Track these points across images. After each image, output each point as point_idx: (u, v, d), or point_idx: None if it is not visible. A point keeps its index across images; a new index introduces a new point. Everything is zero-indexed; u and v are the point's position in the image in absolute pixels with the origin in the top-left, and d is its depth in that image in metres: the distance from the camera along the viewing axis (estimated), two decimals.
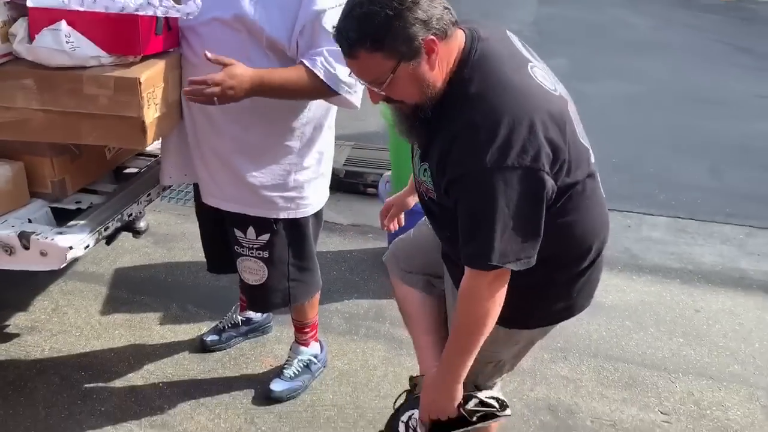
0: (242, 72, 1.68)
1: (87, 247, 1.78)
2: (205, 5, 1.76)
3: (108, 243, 2.66)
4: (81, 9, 1.68)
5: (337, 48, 1.49)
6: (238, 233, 2.07)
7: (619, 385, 2.58)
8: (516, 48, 1.48)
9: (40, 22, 1.65)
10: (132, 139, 1.75)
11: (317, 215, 2.19)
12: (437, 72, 1.33)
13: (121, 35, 1.70)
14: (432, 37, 1.28)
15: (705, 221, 3.90)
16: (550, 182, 1.33)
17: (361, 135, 4.58)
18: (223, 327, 2.62)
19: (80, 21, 1.66)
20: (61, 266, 1.76)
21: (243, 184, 1.96)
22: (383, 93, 1.35)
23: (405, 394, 1.80)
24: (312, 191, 2.08)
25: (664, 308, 3.06)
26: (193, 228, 3.24)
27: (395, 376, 2.54)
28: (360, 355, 2.63)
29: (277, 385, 2.38)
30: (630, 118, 5.48)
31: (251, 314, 2.64)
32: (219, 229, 2.20)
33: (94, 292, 2.92)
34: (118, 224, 1.95)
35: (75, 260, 1.92)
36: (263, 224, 2.04)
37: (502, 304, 1.42)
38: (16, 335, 2.63)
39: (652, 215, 3.94)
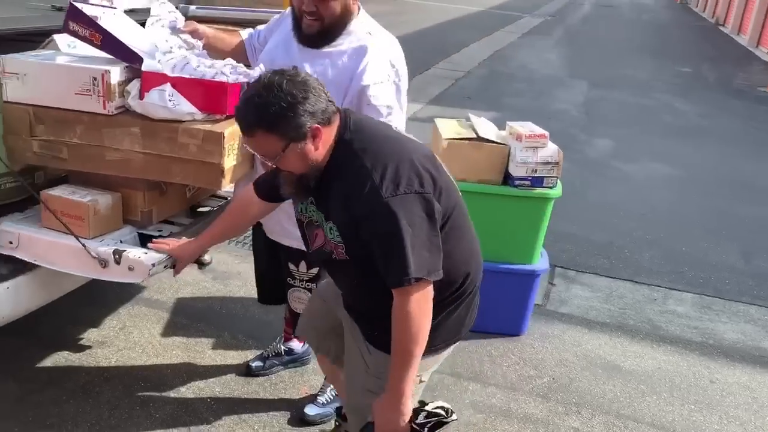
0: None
1: (165, 266, 2.14)
2: None
3: (175, 274, 3.06)
4: (182, 75, 2.09)
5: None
6: (292, 267, 2.41)
7: None
8: (374, 118, 1.89)
9: (150, 83, 2.06)
10: (212, 181, 2.13)
11: None
12: (320, 150, 1.63)
13: (211, 97, 2.10)
14: (317, 125, 1.58)
15: (731, 300, 4.04)
16: (437, 204, 1.62)
17: None
18: (268, 355, 2.93)
19: (181, 84, 2.07)
20: (143, 280, 2.12)
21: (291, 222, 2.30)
22: (273, 165, 1.65)
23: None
24: None
25: (679, 376, 3.21)
26: (247, 268, 3.61)
27: None
28: None
29: (310, 410, 2.65)
30: (668, 199, 5.68)
31: (293, 345, 2.95)
32: (272, 264, 2.54)
33: (157, 317, 3.27)
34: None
35: (151, 278, 2.27)
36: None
37: (430, 320, 1.65)
38: (89, 347, 3.00)
39: (679, 291, 4.11)
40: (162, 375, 2.86)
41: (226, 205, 2.58)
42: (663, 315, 3.81)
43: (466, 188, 3.08)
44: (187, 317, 3.29)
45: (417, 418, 1.71)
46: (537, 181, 3.12)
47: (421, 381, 1.88)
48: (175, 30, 2.31)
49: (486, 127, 3.28)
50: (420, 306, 1.62)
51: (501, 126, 3.39)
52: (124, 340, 3.07)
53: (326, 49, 2.16)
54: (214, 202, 2.67)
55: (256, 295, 2.88)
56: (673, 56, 14.27)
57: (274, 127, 1.55)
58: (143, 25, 2.33)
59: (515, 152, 3.08)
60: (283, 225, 2.34)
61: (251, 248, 2.90)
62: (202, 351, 3.04)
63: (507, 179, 3.15)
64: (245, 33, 2.51)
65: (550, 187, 3.15)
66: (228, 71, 2.13)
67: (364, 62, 2.13)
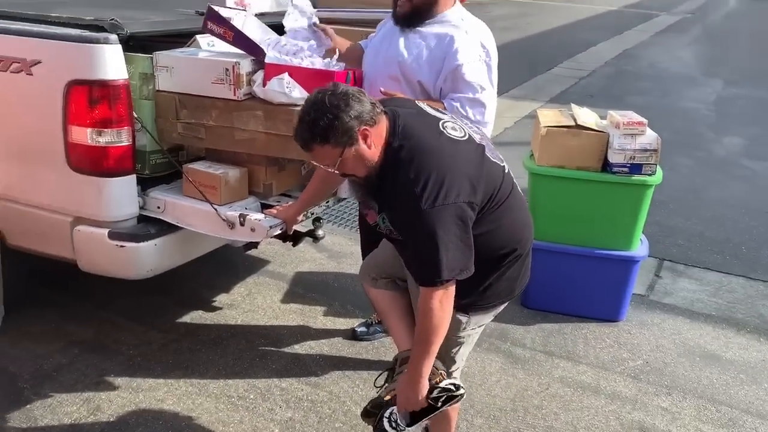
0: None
1: (281, 228, 2.48)
2: (375, 67, 2.45)
3: (294, 245, 3.43)
4: (296, 65, 2.43)
5: (472, 96, 2.11)
6: None
7: (717, 424, 2.75)
8: (427, 113, 1.96)
9: (272, 72, 2.42)
10: None
11: None
12: (374, 150, 1.82)
13: (321, 84, 2.41)
14: (364, 127, 1.78)
15: None
16: (469, 211, 1.82)
17: None
18: (371, 322, 3.22)
19: (296, 73, 2.41)
20: (263, 239, 2.48)
21: None
22: (338, 171, 1.87)
23: (387, 372, 2.22)
24: None
25: None
26: (357, 250, 3.92)
27: (507, 383, 2.94)
28: (479, 363, 3.07)
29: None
30: None
31: None
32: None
33: (278, 286, 3.67)
34: (304, 218, 2.65)
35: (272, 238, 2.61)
36: None
37: (450, 314, 1.86)
38: (219, 308, 3.44)
39: None
40: (279, 334, 3.23)
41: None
42: None
43: (564, 174, 3.25)
44: (303, 288, 3.67)
45: (432, 394, 1.96)
46: (635, 168, 3.18)
47: (466, 335, 2.09)
48: (311, 26, 2.65)
49: (586, 116, 3.37)
50: (443, 304, 1.83)
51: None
52: (249, 304, 3.48)
53: (422, 30, 2.41)
54: None
55: None
56: None
57: (326, 137, 1.78)
58: (279, 25, 2.70)
59: (613, 139, 3.16)
60: None
61: None
62: (314, 317, 3.39)
63: (606, 166, 3.23)
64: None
65: (649, 174, 3.19)
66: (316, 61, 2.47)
67: (456, 43, 2.37)
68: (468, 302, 2.01)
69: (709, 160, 6.26)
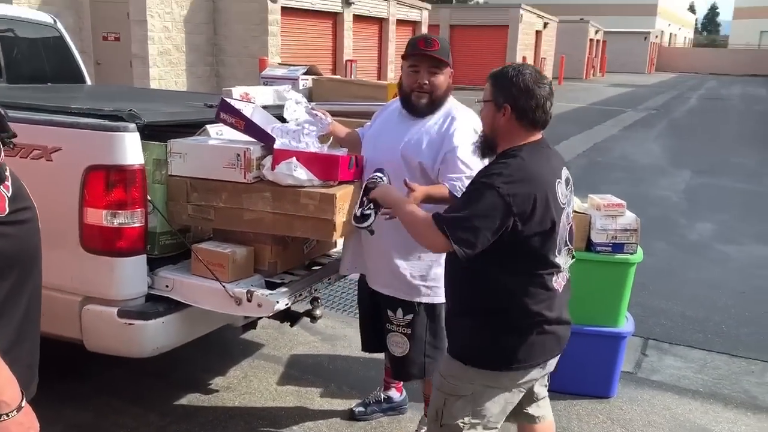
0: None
1: (287, 303, 2.58)
2: (376, 153, 2.66)
3: (292, 325, 3.51)
4: (303, 150, 2.62)
5: (469, 174, 2.31)
6: (390, 313, 2.79)
7: None
8: (557, 168, 2.17)
9: (280, 157, 2.60)
10: (326, 234, 2.59)
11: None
12: (505, 131, 2.11)
13: (326, 168, 2.60)
14: (512, 110, 2.08)
15: None
16: (510, 218, 2.00)
17: None
18: (369, 402, 3.26)
19: (303, 158, 2.59)
20: (270, 314, 2.57)
21: (396, 274, 2.70)
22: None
23: None
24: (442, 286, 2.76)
25: None
26: (352, 332, 4.02)
27: None
28: None
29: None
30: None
31: (392, 394, 3.27)
32: (374, 313, 2.92)
33: (274, 369, 3.71)
34: (308, 295, 2.76)
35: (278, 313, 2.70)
36: (409, 306, 2.74)
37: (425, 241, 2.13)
38: (216, 390, 3.46)
39: None
40: (277, 416, 3.25)
41: (333, 263, 3.03)
42: (761, 386, 3.79)
43: None
44: (299, 370, 3.71)
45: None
46: (618, 247, 3.36)
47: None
48: (310, 111, 2.86)
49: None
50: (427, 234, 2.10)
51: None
52: (246, 386, 3.51)
53: (423, 120, 2.63)
54: (325, 259, 3.13)
55: (359, 355, 3.25)
56: None
57: (496, 85, 2.14)
58: (280, 117, 2.90)
59: (595, 220, 3.36)
60: (384, 276, 2.74)
61: (356, 315, 3.30)
62: (311, 398, 3.42)
63: (589, 246, 3.42)
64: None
65: (631, 253, 3.37)
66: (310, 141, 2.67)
67: (453, 127, 2.59)
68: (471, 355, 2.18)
69: (683, 245, 6.52)
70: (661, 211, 7.73)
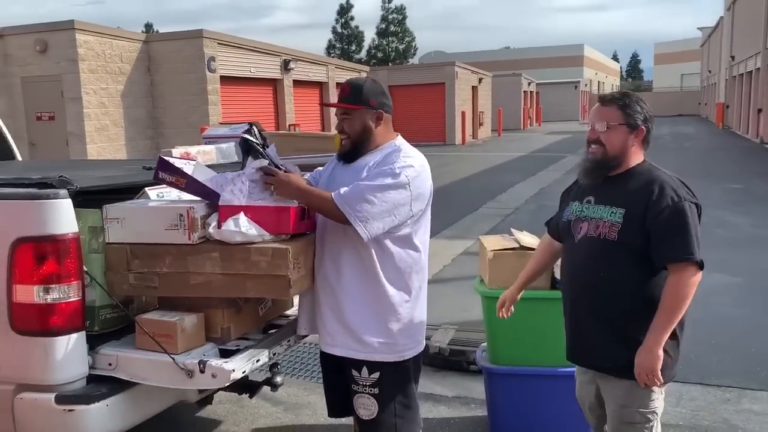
0: (297, 179, 2.47)
1: (244, 372, 2.37)
2: None
3: (251, 396, 3.28)
4: (252, 204, 2.47)
5: (356, 187, 2.34)
6: (355, 373, 2.60)
7: None
8: None
9: (226, 213, 2.44)
10: (281, 292, 2.42)
11: (416, 360, 2.68)
12: (634, 151, 2.40)
13: (277, 220, 2.46)
14: (643, 129, 2.39)
15: None
16: None
17: (463, 322, 5.08)
18: None
19: (252, 212, 2.44)
20: (226, 384, 2.35)
21: (352, 333, 2.53)
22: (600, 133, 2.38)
23: None
24: (409, 338, 2.60)
25: None
26: (315, 399, 3.79)
27: None
28: None
29: None
30: (729, 304, 5.63)
31: None
32: (339, 377, 2.73)
33: None
34: (266, 360, 2.55)
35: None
36: (374, 364, 2.56)
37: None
38: None
39: (753, 390, 4.01)
40: None
41: (292, 323, 2.83)
42: (739, 414, 3.72)
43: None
44: None
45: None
46: None
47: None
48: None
49: (527, 238, 3.52)
50: (695, 281, 2.30)
51: None
52: None
53: (360, 161, 2.55)
54: (283, 320, 2.94)
55: (326, 422, 3.04)
56: (722, 175, 14.42)
57: (622, 110, 2.38)
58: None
59: None
60: (341, 336, 2.57)
61: (319, 379, 3.10)
62: None
63: (555, 284, 3.33)
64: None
65: None
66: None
67: (393, 156, 2.52)
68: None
69: None
70: None
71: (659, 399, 2.41)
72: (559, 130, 36.86)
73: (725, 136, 28.92)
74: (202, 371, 2.34)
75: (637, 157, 2.43)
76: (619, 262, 2.34)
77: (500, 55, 63.06)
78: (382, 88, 2.66)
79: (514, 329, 3.36)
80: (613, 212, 2.35)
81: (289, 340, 2.72)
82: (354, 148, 2.57)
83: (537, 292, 3.31)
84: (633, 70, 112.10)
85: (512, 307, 2.95)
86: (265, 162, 2.53)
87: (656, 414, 2.42)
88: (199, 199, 2.54)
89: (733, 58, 33.56)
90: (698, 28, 59.61)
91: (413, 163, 2.50)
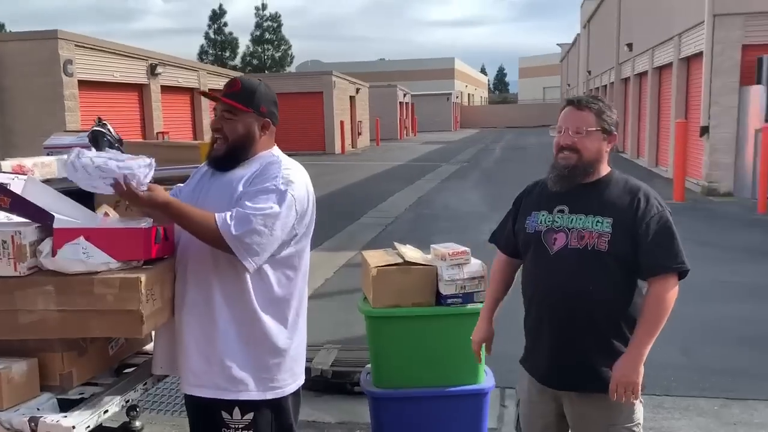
0: (159, 192, 2.09)
1: (88, 427, 1.99)
2: None
3: None
4: (93, 227, 2.10)
5: (244, 215, 2.02)
6: (225, 415, 2.27)
7: None
8: None
9: (63, 238, 2.05)
10: (132, 330, 2.06)
11: (296, 394, 2.40)
12: (605, 157, 2.31)
13: (126, 244, 2.10)
14: (615, 135, 2.32)
15: (680, 396, 4.04)
16: None
17: (347, 339, 4.85)
18: None
19: (95, 236, 2.07)
20: None
21: (221, 370, 2.20)
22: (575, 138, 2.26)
23: None
24: (286, 372, 2.32)
25: None
26: None
27: None
28: None
29: None
30: None
31: None
32: (207, 421, 2.38)
33: None
34: (116, 409, 2.17)
35: None
36: (246, 405, 2.25)
37: None
38: None
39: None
40: None
41: (149, 361, 2.45)
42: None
43: (401, 313, 3.13)
44: None
45: None
46: (467, 297, 3.16)
47: None
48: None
49: (411, 252, 3.35)
50: (675, 290, 2.23)
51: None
52: None
53: (236, 171, 2.24)
54: (140, 358, 2.55)
55: None
56: None
57: (597, 115, 2.28)
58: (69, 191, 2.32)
59: (442, 271, 3.14)
60: (211, 377, 2.24)
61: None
62: None
63: (439, 300, 3.18)
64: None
65: (481, 302, 3.18)
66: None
67: (273, 167, 2.23)
68: None
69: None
70: (491, 254, 7.88)
71: (641, 409, 2.31)
72: (433, 139, 37.84)
73: None
74: (33, 430, 1.93)
75: (606, 165, 2.34)
76: (608, 273, 2.22)
77: (376, 67, 64.02)
78: (275, 97, 2.39)
79: (399, 350, 3.18)
80: (599, 222, 2.23)
81: (145, 383, 2.34)
82: (229, 154, 2.25)
83: (422, 310, 3.15)
84: (500, 83, 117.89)
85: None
86: (147, 160, 2.12)
87: (640, 425, 2.32)
88: (29, 221, 2.12)
89: (589, 72, 36.09)
90: (557, 44, 63.83)
91: (295, 178, 2.23)
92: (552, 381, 2.36)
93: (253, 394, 2.24)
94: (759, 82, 11.81)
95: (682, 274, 2.22)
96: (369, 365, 3.51)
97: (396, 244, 3.52)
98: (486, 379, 3.31)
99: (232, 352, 2.21)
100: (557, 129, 2.33)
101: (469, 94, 72.87)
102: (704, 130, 12.70)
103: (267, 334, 2.24)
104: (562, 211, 2.32)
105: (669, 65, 16.58)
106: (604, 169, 2.33)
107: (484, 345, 2.71)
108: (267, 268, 2.21)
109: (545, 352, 2.36)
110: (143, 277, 2.03)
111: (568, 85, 51.83)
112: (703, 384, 4.20)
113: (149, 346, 2.59)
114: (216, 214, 2.09)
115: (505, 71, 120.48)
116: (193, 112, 20.40)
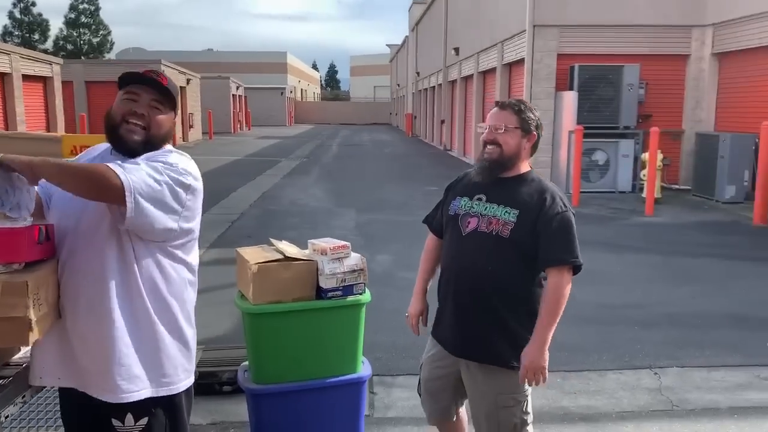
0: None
1: None
2: (66, 219, 2.11)
3: None
4: None
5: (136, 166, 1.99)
6: (116, 422, 2.15)
7: None
8: None
9: None
10: (18, 338, 1.88)
11: (188, 392, 2.33)
12: (524, 156, 2.60)
13: (5, 245, 1.91)
14: (534, 134, 2.60)
15: None
16: None
17: (209, 339, 4.73)
18: None
19: None
20: None
21: (117, 370, 2.09)
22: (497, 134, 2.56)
23: None
24: (180, 369, 2.24)
25: None
26: None
27: None
28: None
29: None
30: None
31: None
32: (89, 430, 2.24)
33: None
34: None
35: None
36: (140, 408, 2.16)
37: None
38: None
39: None
40: None
41: (22, 372, 2.25)
42: None
43: (284, 309, 3.14)
44: None
45: None
46: (348, 290, 3.25)
47: None
48: None
49: (289, 248, 3.37)
50: (570, 282, 2.54)
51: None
52: None
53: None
54: (10, 370, 2.32)
55: None
56: (420, 179, 16.04)
57: (518, 114, 2.59)
58: None
59: (323, 265, 3.20)
60: (102, 377, 2.12)
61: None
62: None
63: (319, 293, 3.24)
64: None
65: (360, 293, 3.30)
66: None
67: (167, 155, 2.20)
68: None
69: (372, 278, 6.83)
70: (354, 251, 8.05)
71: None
72: (269, 134, 37.44)
73: (415, 143, 32.40)
74: None
75: (526, 164, 2.63)
76: (506, 257, 2.52)
77: (204, 57, 61.81)
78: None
79: (280, 345, 3.18)
80: (507, 212, 2.54)
81: (24, 396, 2.15)
82: (148, 145, 2.18)
83: (304, 304, 3.19)
84: (331, 80, 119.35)
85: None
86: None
87: (527, 395, 2.63)
88: None
89: (418, 74, 37.80)
90: (387, 45, 65.97)
91: (190, 167, 2.21)
92: (454, 349, 2.66)
93: (147, 392, 2.15)
94: (571, 89, 13.18)
95: (576, 269, 2.51)
96: (245, 363, 3.47)
97: (272, 240, 3.52)
98: (363, 367, 3.42)
99: (126, 351, 2.10)
100: (485, 127, 2.61)
101: (302, 90, 72.94)
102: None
103: (160, 331, 2.17)
104: (480, 199, 2.63)
105: (493, 70, 17.90)
106: (524, 167, 2.63)
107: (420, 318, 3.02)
108: (159, 262, 2.15)
109: (450, 322, 2.66)
110: (30, 281, 1.87)
111: (398, 84, 53.84)
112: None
113: (19, 356, 2.36)
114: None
115: (336, 68, 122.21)
116: (3, 101, 18.31)
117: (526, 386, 2.59)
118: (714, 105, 13.54)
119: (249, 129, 44.77)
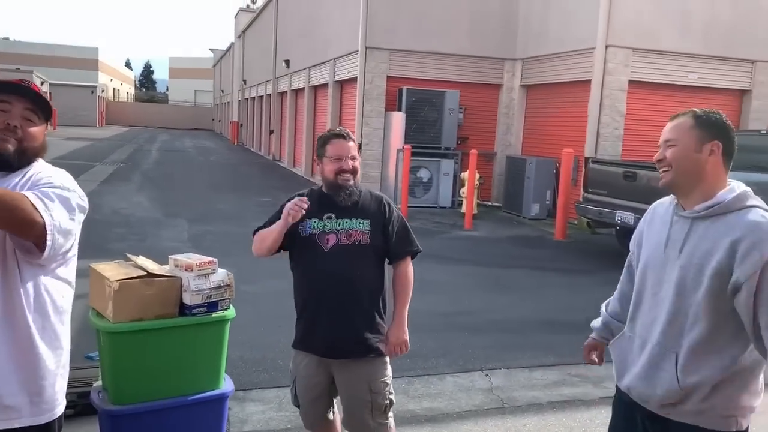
0: None
1: None
2: None
3: None
4: None
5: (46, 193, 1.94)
6: None
7: None
8: None
9: None
10: None
11: (60, 418, 2.24)
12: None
13: None
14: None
15: None
16: None
17: None
18: None
19: None
20: None
21: (33, 387, 2.02)
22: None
23: None
24: (58, 392, 2.17)
25: None
26: None
27: None
28: None
29: None
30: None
31: None
32: None
33: None
34: None
35: None
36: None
37: None
38: None
39: None
40: None
41: None
42: (414, 399, 4.27)
43: (146, 327, 3.08)
44: None
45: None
46: (213, 306, 3.26)
47: None
48: None
49: (151, 264, 3.29)
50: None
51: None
52: None
53: (9, 176, 2.07)
54: None
55: None
56: (251, 190, 15.89)
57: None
58: None
59: (189, 282, 3.18)
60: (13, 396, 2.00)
61: None
62: None
63: (183, 310, 3.20)
64: None
65: (226, 309, 3.32)
66: None
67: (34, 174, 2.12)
68: None
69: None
70: None
71: (389, 368, 3.07)
72: (79, 135, 34.63)
73: (242, 152, 31.87)
74: None
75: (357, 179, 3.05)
76: (369, 260, 2.96)
77: (1, 46, 55.58)
78: None
79: (141, 364, 3.10)
80: (361, 222, 2.95)
81: None
82: (22, 156, 2.07)
83: (168, 321, 3.14)
84: (147, 80, 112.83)
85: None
86: None
87: (390, 378, 3.06)
88: None
89: (245, 81, 37.25)
90: (210, 49, 64.04)
91: (72, 185, 2.14)
92: (331, 353, 2.96)
93: (26, 420, 2.05)
94: (400, 109, 13.93)
95: (414, 254, 3.10)
96: (97, 383, 3.32)
97: (129, 255, 3.40)
98: (225, 383, 3.43)
99: (5, 376, 1.98)
100: (337, 158, 2.94)
101: (114, 89, 68.29)
102: (359, 147, 14.41)
103: (42, 354, 2.08)
104: (330, 218, 2.95)
105: (325, 85, 18.28)
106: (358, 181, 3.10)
107: None
108: (45, 283, 2.06)
109: (324, 331, 2.93)
110: None
111: (222, 90, 52.55)
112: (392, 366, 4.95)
113: None
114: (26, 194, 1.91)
115: (152, 68, 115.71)
116: None
117: (389, 371, 3.04)
118: (522, 131, 15.06)
119: (54, 128, 40.93)
